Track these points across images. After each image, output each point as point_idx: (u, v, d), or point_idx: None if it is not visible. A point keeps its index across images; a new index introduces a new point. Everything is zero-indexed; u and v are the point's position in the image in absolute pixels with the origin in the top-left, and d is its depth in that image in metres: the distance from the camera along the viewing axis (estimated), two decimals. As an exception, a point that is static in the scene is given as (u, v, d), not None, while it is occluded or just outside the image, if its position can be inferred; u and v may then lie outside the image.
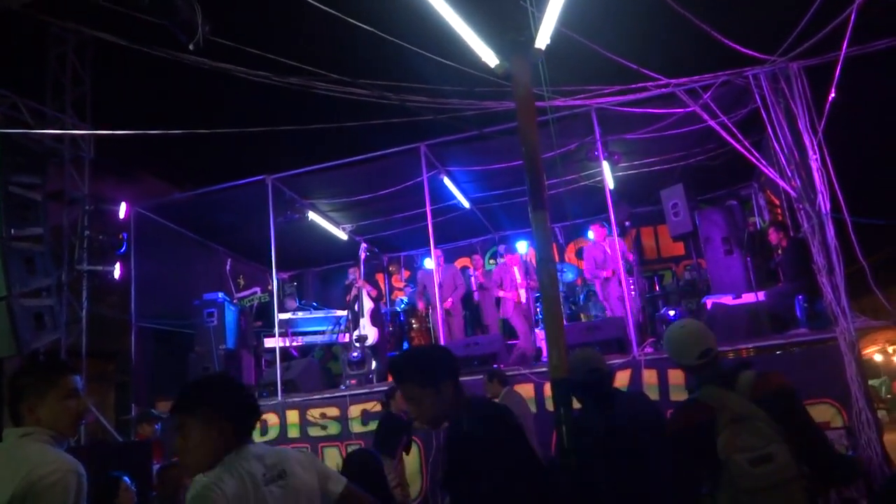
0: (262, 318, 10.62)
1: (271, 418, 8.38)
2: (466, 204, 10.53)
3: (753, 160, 7.18)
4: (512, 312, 9.59)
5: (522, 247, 10.66)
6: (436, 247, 9.21)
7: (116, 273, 8.90)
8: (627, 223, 9.85)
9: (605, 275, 9.26)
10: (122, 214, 9.18)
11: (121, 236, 8.97)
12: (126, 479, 4.56)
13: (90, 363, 8.96)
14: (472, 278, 10.37)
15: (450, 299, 9.91)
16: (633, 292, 9.04)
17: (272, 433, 8.33)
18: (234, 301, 10.12)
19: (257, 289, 10.85)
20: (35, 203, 7.42)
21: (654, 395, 6.71)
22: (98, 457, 2.37)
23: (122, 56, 7.40)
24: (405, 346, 10.14)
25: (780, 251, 8.01)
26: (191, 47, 4.32)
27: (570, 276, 10.80)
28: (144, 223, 9.69)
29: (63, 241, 8.75)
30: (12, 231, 6.91)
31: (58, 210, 8.67)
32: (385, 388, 8.38)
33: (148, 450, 6.20)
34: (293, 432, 8.27)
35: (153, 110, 12.11)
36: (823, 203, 6.58)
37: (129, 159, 11.05)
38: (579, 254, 12.19)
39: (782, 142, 6.83)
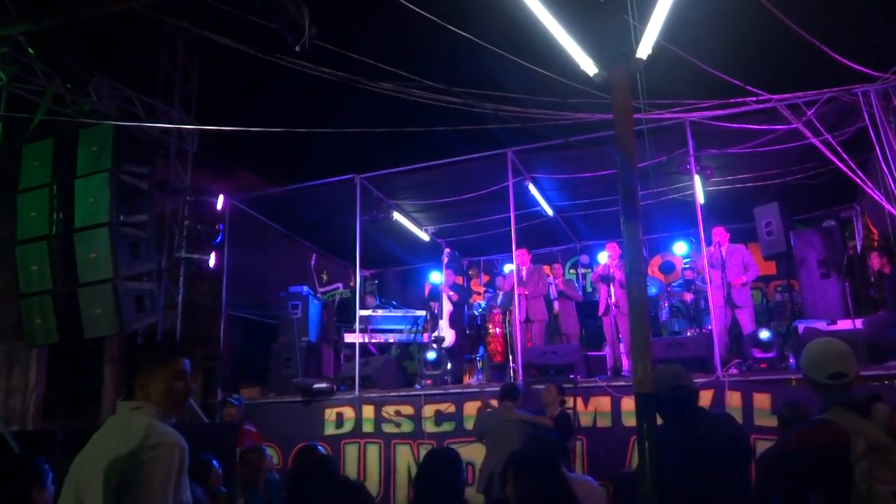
0: (341, 314, 10.89)
1: (347, 412, 8.55)
2: (550, 211, 10.48)
3: (858, 181, 6.85)
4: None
5: (603, 257, 10.45)
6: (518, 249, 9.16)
7: (212, 262, 9.33)
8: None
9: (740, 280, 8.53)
10: (219, 206, 9.62)
11: (217, 227, 9.41)
12: (214, 462, 4.80)
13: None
14: (552, 286, 10.25)
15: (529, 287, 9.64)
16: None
17: (347, 426, 8.50)
18: (318, 295, 10.42)
19: (339, 284, 11.11)
20: (142, 191, 7.88)
21: (737, 418, 6.48)
22: (188, 436, 2.49)
23: (228, 54, 7.77)
24: (481, 350, 10.16)
25: (881, 277, 7.58)
26: (297, 48, 4.49)
27: (653, 290, 10.54)
28: (238, 215, 10.08)
29: (164, 228, 9.25)
30: (121, 217, 7.36)
31: (161, 199, 9.15)
32: (458, 390, 8.46)
33: (234, 433, 6.47)
34: (367, 427, 8.42)
35: (252, 107, 12.61)
36: (935, 229, 6.22)
37: (227, 154, 11.57)
38: (663, 268, 11.89)
39: (891, 163, 6.48)
